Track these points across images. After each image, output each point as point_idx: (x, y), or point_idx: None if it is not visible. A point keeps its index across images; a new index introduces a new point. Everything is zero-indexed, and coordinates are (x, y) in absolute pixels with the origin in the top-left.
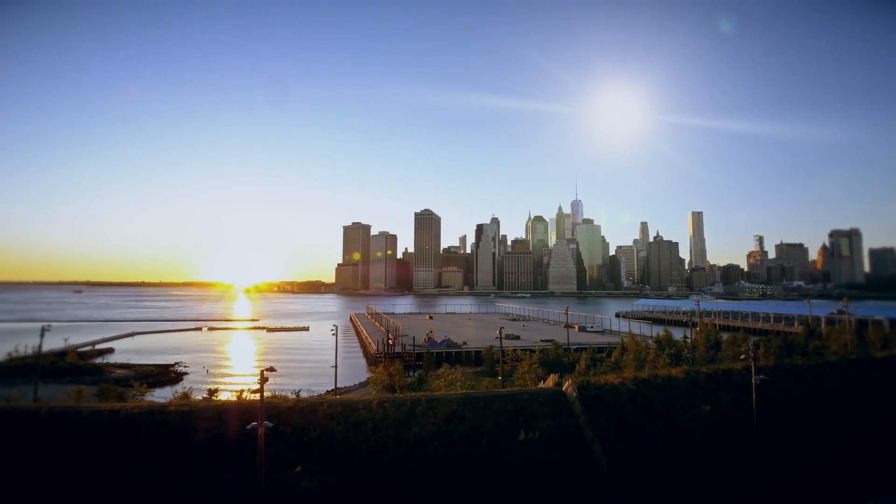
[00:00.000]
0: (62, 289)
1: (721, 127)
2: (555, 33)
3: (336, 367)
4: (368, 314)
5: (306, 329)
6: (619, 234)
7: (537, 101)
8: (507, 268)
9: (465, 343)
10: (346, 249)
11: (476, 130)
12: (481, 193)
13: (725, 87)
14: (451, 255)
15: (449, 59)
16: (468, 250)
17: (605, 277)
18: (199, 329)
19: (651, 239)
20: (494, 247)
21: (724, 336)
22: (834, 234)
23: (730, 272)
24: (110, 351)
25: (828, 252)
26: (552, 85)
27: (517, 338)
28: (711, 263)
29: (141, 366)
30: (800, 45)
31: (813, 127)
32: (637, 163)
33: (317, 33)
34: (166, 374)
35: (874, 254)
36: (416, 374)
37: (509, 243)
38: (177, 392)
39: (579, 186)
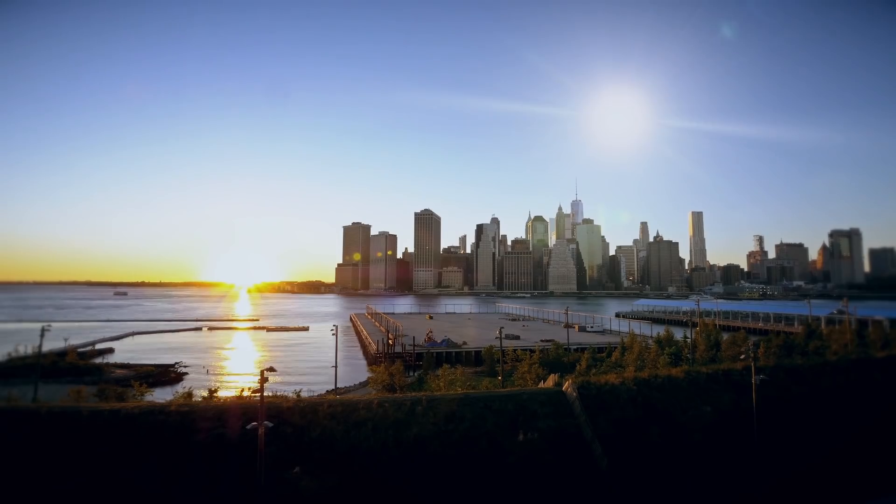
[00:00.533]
0: (74, 289)
1: (722, 130)
2: (556, 37)
3: (336, 367)
4: (368, 314)
5: (306, 329)
6: (619, 234)
7: (538, 105)
8: (507, 268)
9: (465, 343)
10: (346, 249)
11: (477, 133)
12: (481, 193)
13: (726, 91)
14: (451, 255)
15: (450, 62)
16: (468, 250)
17: (605, 277)
18: (200, 329)
19: (651, 239)
20: (494, 247)
21: (725, 336)
22: (834, 234)
23: (730, 272)
24: (110, 351)
25: (828, 252)
26: (553, 88)
27: (517, 338)
28: (711, 263)
29: (141, 366)
30: (800, 50)
31: (813, 129)
32: (637, 165)
33: (317, 36)
34: (166, 374)
35: (874, 254)
36: (416, 375)
37: (509, 243)
38: (177, 392)
39: (579, 189)
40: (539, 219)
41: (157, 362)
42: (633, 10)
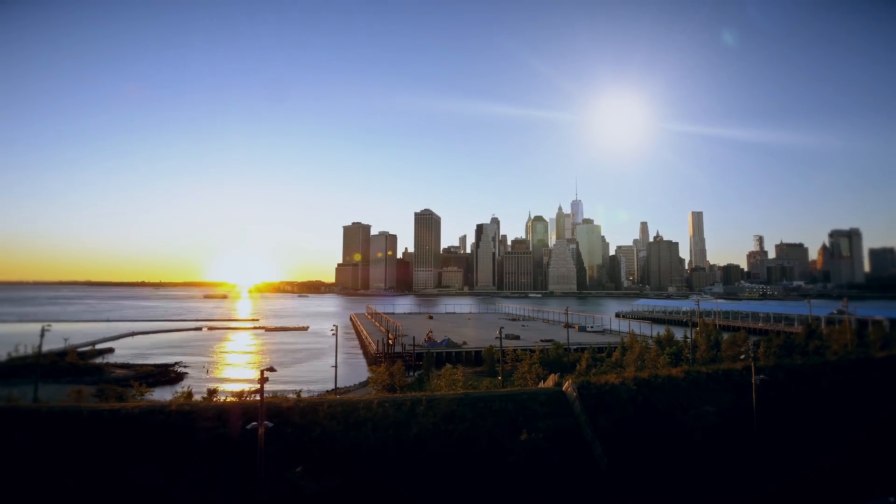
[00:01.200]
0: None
1: (722, 134)
2: (558, 42)
3: (336, 367)
4: (368, 314)
5: (306, 329)
6: (618, 234)
7: (540, 109)
8: (507, 268)
9: (465, 343)
10: (346, 249)
11: (478, 135)
12: (481, 194)
13: (726, 96)
14: (451, 255)
15: (453, 67)
16: (468, 250)
17: (605, 277)
18: (200, 329)
19: (651, 239)
20: (494, 247)
21: (725, 336)
22: (834, 234)
23: (730, 272)
24: (110, 351)
25: (828, 252)
26: (555, 93)
27: (517, 338)
28: (711, 263)
29: (141, 366)
30: (799, 55)
31: (813, 133)
32: (638, 168)
33: (320, 39)
34: (166, 374)
35: (874, 254)
36: (416, 375)
37: (509, 243)
38: (177, 392)
39: (580, 191)
40: (539, 219)
41: (157, 362)
42: (633, 16)
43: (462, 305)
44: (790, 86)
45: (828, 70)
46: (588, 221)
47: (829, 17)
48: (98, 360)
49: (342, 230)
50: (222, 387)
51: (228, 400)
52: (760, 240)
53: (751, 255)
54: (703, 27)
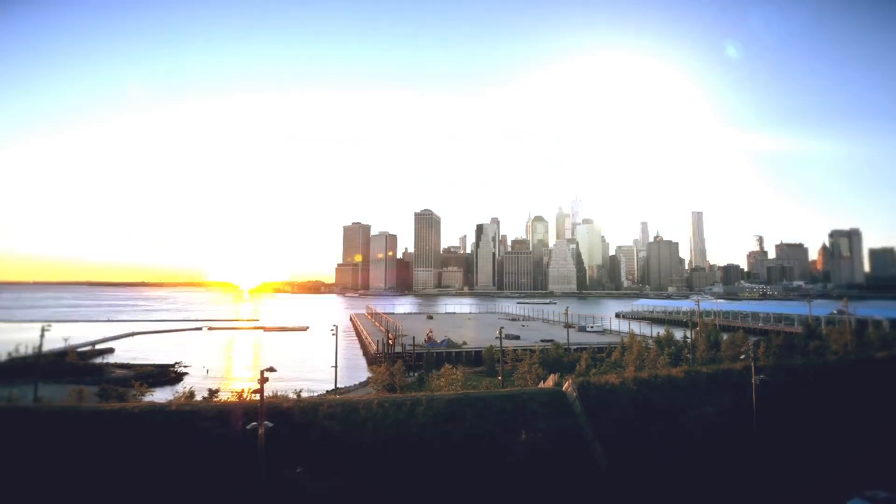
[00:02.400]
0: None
1: (722, 138)
2: (560, 47)
3: (336, 367)
4: (368, 314)
5: (306, 329)
6: (619, 234)
7: (541, 113)
8: (507, 268)
9: (465, 343)
10: (347, 249)
11: (478, 137)
12: (481, 194)
13: (726, 101)
14: (451, 255)
15: (456, 72)
16: (468, 250)
17: (605, 277)
18: (200, 329)
19: (651, 239)
20: (494, 247)
21: (724, 336)
22: (834, 234)
23: (730, 272)
24: (110, 351)
25: (828, 252)
26: (556, 98)
27: (517, 338)
28: (711, 263)
29: (141, 366)
30: (798, 60)
31: (813, 136)
32: (638, 170)
33: (320, 39)
34: (166, 374)
35: (874, 254)
36: (416, 375)
37: (509, 243)
38: (177, 392)
39: (580, 191)
40: (539, 219)
41: (157, 362)
42: (636, 20)
43: (462, 305)
44: (790, 90)
45: (827, 75)
46: (588, 221)
47: (828, 23)
48: (98, 360)
49: (342, 230)
50: (222, 387)
51: (229, 400)
52: (760, 240)
53: (751, 255)
54: (705, 34)
